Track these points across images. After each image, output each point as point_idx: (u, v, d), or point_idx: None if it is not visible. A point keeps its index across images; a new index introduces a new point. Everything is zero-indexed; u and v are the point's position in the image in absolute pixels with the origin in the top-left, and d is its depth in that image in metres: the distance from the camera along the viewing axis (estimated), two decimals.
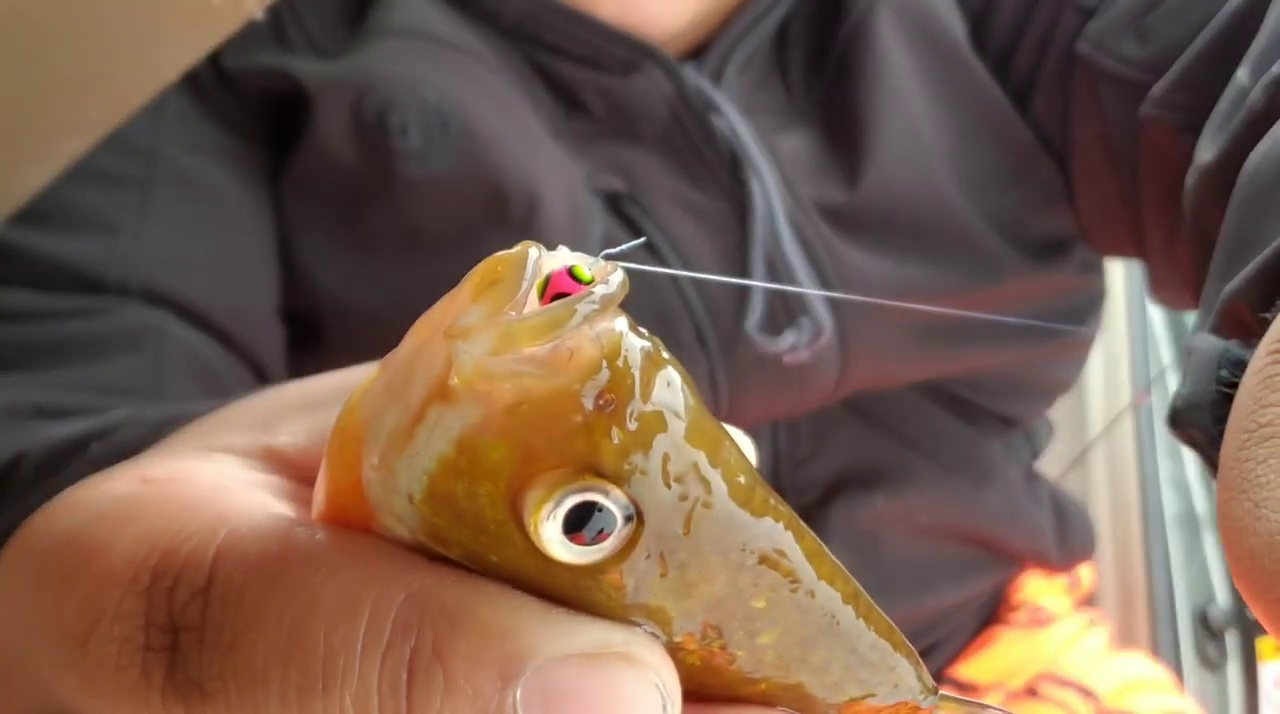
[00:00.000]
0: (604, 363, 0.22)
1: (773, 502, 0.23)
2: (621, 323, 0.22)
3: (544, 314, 0.21)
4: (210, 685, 0.23)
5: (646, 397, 0.22)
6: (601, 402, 0.22)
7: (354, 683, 0.22)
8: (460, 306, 0.22)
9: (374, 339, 0.64)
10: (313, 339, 0.65)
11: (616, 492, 0.22)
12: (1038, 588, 0.81)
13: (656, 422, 0.22)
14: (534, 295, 0.22)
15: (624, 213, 0.66)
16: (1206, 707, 1.09)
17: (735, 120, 0.66)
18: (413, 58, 0.65)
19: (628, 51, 0.66)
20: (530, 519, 0.22)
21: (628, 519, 0.22)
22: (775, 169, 0.66)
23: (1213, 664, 1.14)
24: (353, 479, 0.24)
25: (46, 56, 0.45)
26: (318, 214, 0.65)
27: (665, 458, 0.22)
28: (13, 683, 0.27)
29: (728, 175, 0.66)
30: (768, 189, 0.65)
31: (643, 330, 0.23)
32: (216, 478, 0.27)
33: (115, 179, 0.60)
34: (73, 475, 0.35)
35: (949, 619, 0.77)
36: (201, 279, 0.60)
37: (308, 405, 0.30)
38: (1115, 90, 0.62)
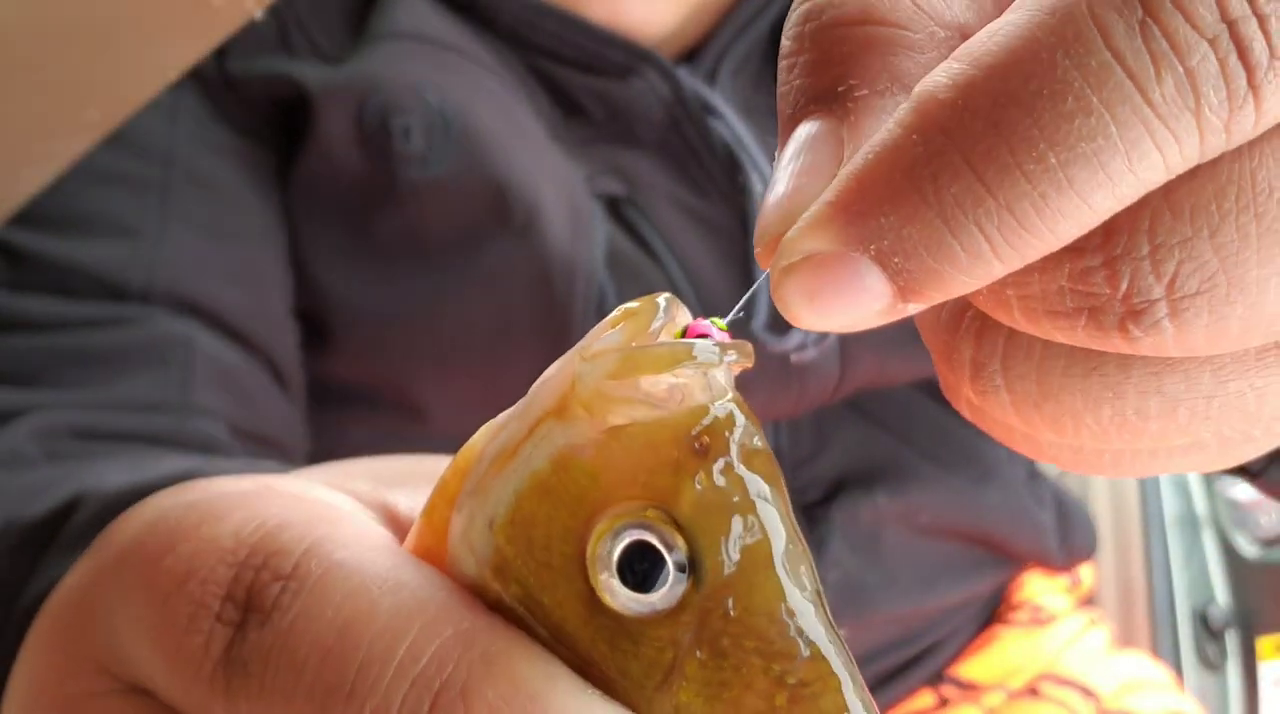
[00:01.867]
0: (710, 410, 0.22)
1: (833, 627, 0.23)
2: (733, 391, 0.23)
3: (666, 347, 0.22)
4: (253, 665, 0.24)
5: (739, 458, 0.22)
6: (697, 445, 0.22)
7: (378, 697, 0.22)
8: (598, 334, 0.23)
9: (379, 339, 0.65)
10: (320, 339, 0.65)
11: (680, 541, 0.22)
12: (1038, 587, 0.81)
13: (740, 487, 0.22)
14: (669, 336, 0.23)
15: (624, 216, 0.66)
16: (1206, 707, 1.09)
17: (734, 122, 0.66)
18: (414, 61, 0.65)
19: (624, 55, 0.66)
20: (591, 548, 0.22)
21: (681, 572, 0.22)
22: None
23: (1213, 664, 1.14)
24: (445, 516, 0.25)
25: (47, 57, 0.45)
26: (324, 216, 0.65)
27: (739, 528, 0.22)
28: (93, 627, 0.27)
29: (725, 178, 0.66)
30: None
31: (750, 413, 0.23)
32: (333, 500, 0.28)
33: (133, 182, 0.60)
34: None
35: (950, 618, 0.77)
36: (222, 282, 0.60)
37: (435, 477, 0.31)
38: None
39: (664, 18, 0.69)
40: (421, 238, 0.65)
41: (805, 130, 0.22)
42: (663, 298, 0.23)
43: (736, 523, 0.22)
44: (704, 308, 0.64)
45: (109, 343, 0.56)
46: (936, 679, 0.76)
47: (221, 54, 0.63)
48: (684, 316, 0.23)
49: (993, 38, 0.20)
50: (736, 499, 0.22)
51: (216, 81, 0.64)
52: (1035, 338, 0.22)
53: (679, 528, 0.22)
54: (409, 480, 0.31)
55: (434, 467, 0.32)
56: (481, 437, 0.25)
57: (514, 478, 0.23)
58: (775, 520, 0.22)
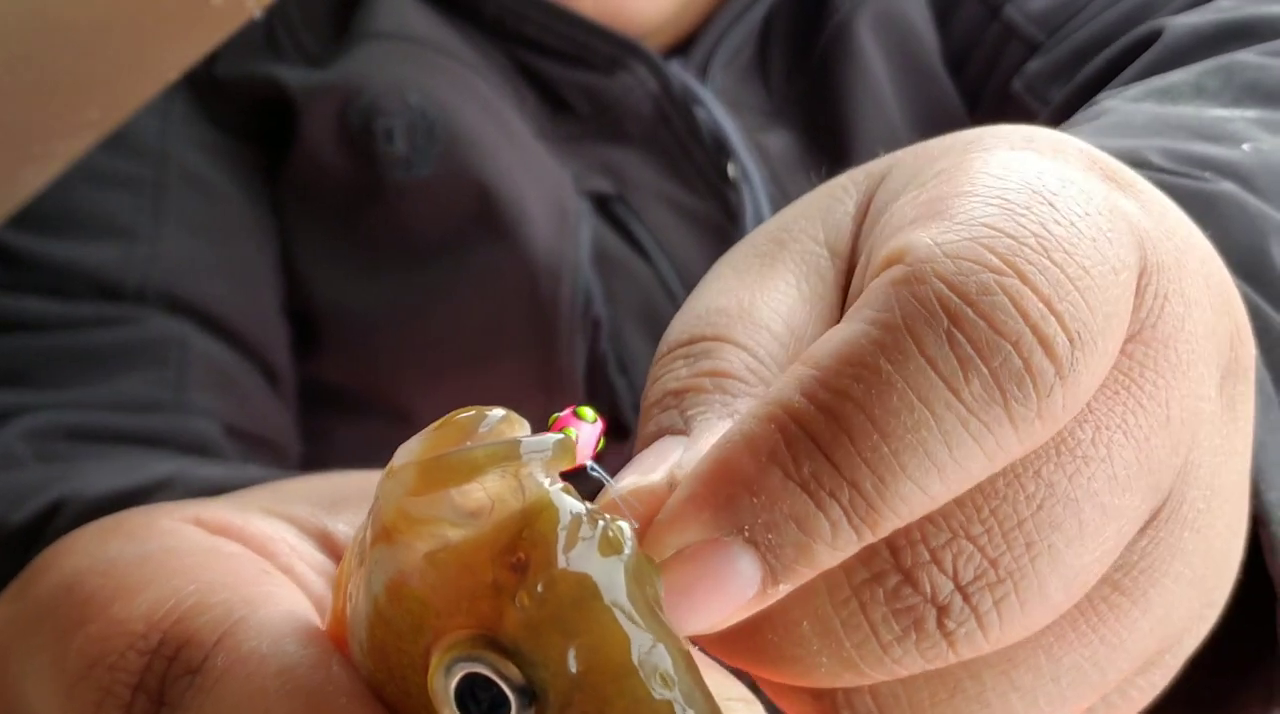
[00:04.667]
0: (524, 519, 0.20)
1: None
2: (555, 483, 0.21)
3: (466, 452, 0.20)
4: None
5: (566, 562, 0.20)
6: (514, 561, 0.20)
7: None
8: (411, 445, 0.21)
9: (366, 341, 0.65)
10: (309, 341, 0.65)
11: (512, 669, 0.20)
12: None
13: (571, 596, 0.20)
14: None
15: (613, 214, 0.66)
16: None
17: (720, 116, 0.67)
18: (396, 61, 0.65)
19: (612, 48, 0.66)
20: (429, 683, 0.20)
21: (525, 699, 0.20)
22: (763, 167, 0.67)
23: None
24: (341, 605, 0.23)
25: (46, 56, 0.44)
26: (311, 218, 0.65)
27: (574, 642, 0.20)
28: (6, 679, 0.26)
29: (715, 174, 0.66)
30: (755, 188, 0.66)
31: (588, 503, 0.21)
32: (267, 541, 0.27)
33: (127, 182, 0.60)
34: None
35: None
36: (216, 282, 0.60)
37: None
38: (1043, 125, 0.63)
39: (659, 7, 0.69)
40: (407, 240, 0.65)
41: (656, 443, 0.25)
42: (495, 411, 0.21)
43: (570, 638, 0.20)
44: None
45: (104, 343, 0.56)
46: None
47: (209, 57, 0.62)
48: (520, 431, 0.22)
49: (829, 344, 0.23)
50: (566, 611, 0.20)
51: (205, 84, 0.63)
52: (895, 684, 0.24)
53: (508, 654, 0.20)
54: (349, 503, 0.30)
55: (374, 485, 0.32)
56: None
57: (363, 606, 0.22)
58: (617, 623, 0.20)
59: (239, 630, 0.23)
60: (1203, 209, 0.36)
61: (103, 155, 0.56)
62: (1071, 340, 0.22)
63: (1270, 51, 0.49)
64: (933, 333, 0.22)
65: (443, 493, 0.20)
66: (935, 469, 0.22)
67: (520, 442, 0.21)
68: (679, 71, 0.68)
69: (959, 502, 0.23)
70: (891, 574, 0.23)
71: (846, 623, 0.23)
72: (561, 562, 0.20)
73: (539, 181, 0.65)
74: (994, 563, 0.22)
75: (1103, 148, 0.28)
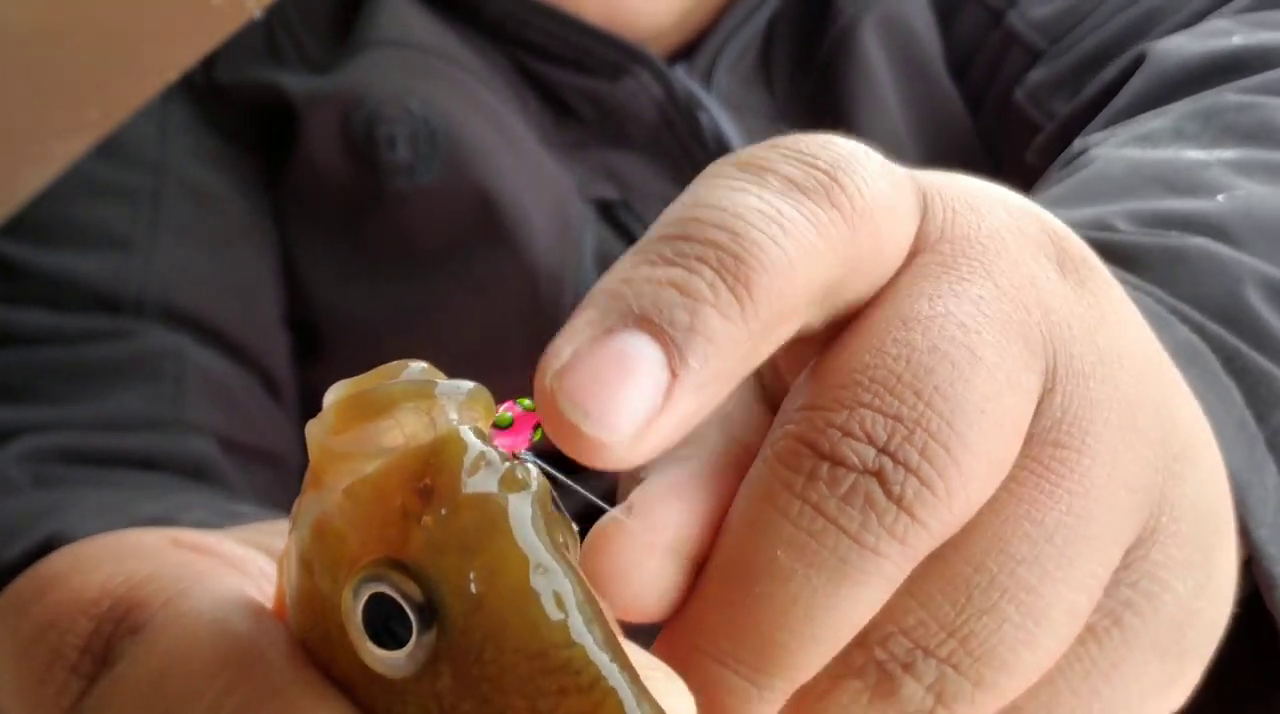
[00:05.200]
0: (432, 447, 0.21)
1: (610, 642, 0.21)
2: (466, 426, 0.22)
3: (380, 391, 0.21)
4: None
5: (469, 487, 0.21)
6: (421, 486, 0.21)
7: None
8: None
9: (369, 349, 0.64)
10: (311, 349, 0.65)
11: (413, 587, 0.20)
12: None
13: (472, 520, 0.21)
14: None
15: (618, 221, 0.66)
16: None
17: (722, 121, 0.67)
18: (399, 69, 0.65)
19: (615, 54, 0.66)
20: (342, 609, 0.21)
21: (426, 625, 0.20)
22: None
23: None
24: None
25: (46, 57, 0.44)
26: (312, 224, 0.64)
27: (474, 564, 0.20)
28: None
29: None
30: None
31: (500, 449, 0.22)
32: (239, 562, 0.28)
33: (125, 193, 0.60)
34: None
35: None
36: (214, 293, 0.60)
37: None
38: (1043, 143, 0.63)
39: (664, 11, 0.68)
40: (409, 247, 0.64)
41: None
42: (417, 363, 0.22)
43: (470, 559, 0.20)
44: None
45: (101, 357, 0.56)
46: None
47: (209, 62, 0.62)
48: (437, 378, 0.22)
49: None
50: (468, 534, 0.20)
51: (204, 90, 0.63)
52: (918, 612, 0.25)
53: (412, 574, 0.20)
54: None
55: None
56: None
57: (293, 558, 0.22)
58: (515, 546, 0.20)
59: (184, 596, 0.24)
60: (1171, 263, 0.38)
61: (101, 166, 0.56)
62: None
63: (1252, 88, 0.50)
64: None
65: (362, 429, 0.21)
66: (772, 221, 0.23)
67: (436, 382, 0.22)
68: (683, 77, 0.67)
69: (841, 383, 0.24)
70: (821, 463, 0.23)
71: (811, 529, 0.23)
72: (467, 486, 0.21)
73: (542, 188, 0.64)
74: (897, 417, 0.23)
75: (1071, 219, 0.30)
